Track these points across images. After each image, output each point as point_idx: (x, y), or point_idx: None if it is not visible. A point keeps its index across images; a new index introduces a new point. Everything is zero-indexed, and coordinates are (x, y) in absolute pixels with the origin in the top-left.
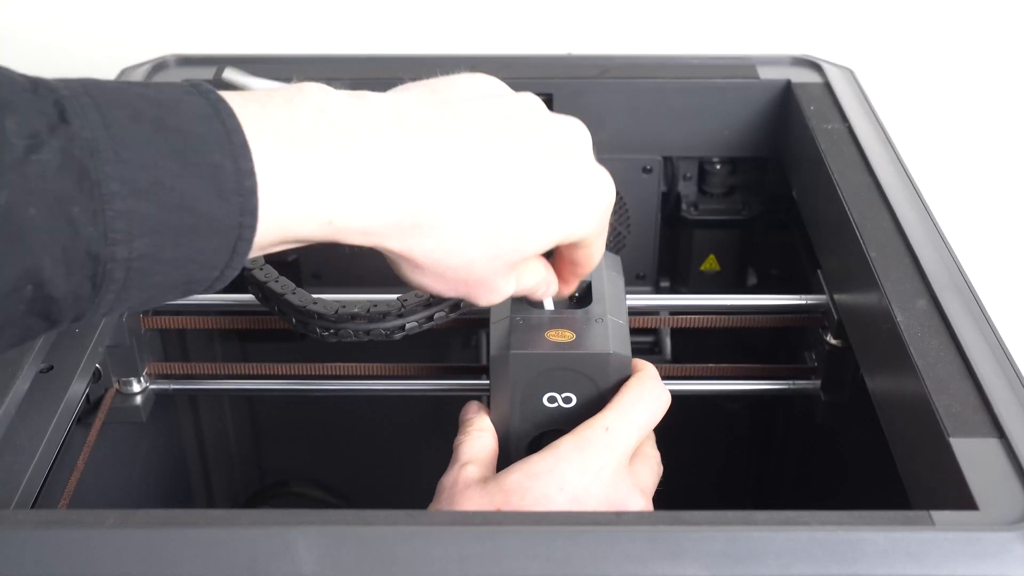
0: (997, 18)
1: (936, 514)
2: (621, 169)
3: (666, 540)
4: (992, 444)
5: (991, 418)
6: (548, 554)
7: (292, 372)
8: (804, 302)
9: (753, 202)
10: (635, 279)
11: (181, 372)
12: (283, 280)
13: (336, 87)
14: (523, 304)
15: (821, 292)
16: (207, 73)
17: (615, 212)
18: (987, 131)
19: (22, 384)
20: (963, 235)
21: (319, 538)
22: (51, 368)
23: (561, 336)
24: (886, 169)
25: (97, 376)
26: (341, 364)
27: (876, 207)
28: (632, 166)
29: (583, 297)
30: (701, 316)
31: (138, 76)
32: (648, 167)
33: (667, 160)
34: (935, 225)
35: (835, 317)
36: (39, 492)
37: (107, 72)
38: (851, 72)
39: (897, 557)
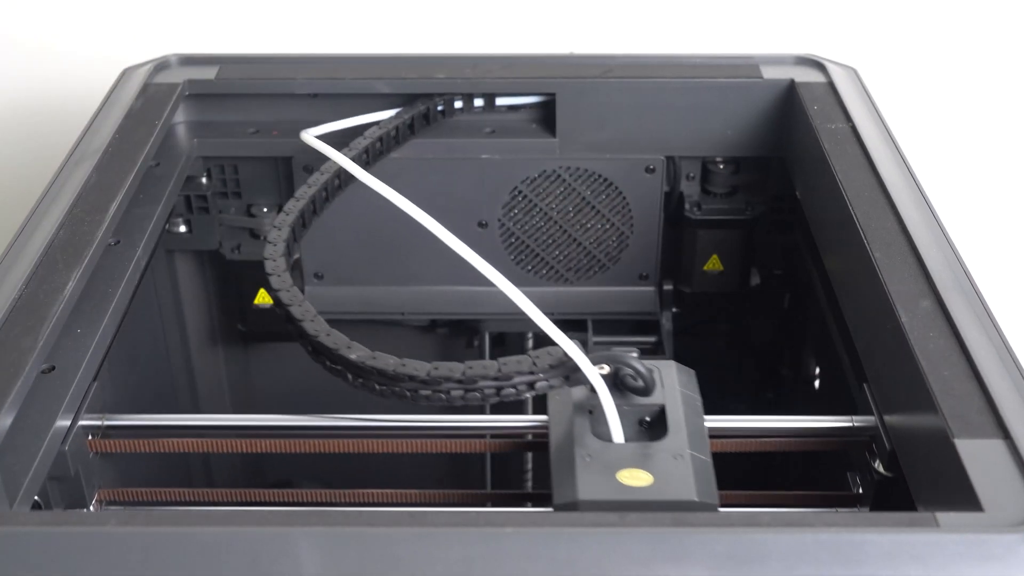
0: (1000, 17)
1: (941, 516)
2: (624, 169)
3: (669, 541)
4: (997, 445)
5: (996, 419)
6: (551, 555)
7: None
8: (851, 424)
9: (756, 202)
10: (638, 279)
11: (137, 498)
12: (335, 333)
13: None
14: (587, 432)
15: (868, 411)
16: (209, 73)
17: (618, 211)
18: (991, 130)
19: (24, 384)
20: (968, 235)
21: (321, 538)
22: (52, 368)
23: (636, 478)
24: (890, 169)
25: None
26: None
27: (880, 207)
28: (635, 166)
29: (656, 423)
30: (741, 440)
31: (140, 76)
32: (651, 167)
33: (670, 160)
34: (939, 225)
35: (887, 446)
36: (40, 492)
37: (110, 72)
38: (855, 71)
39: (902, 559)
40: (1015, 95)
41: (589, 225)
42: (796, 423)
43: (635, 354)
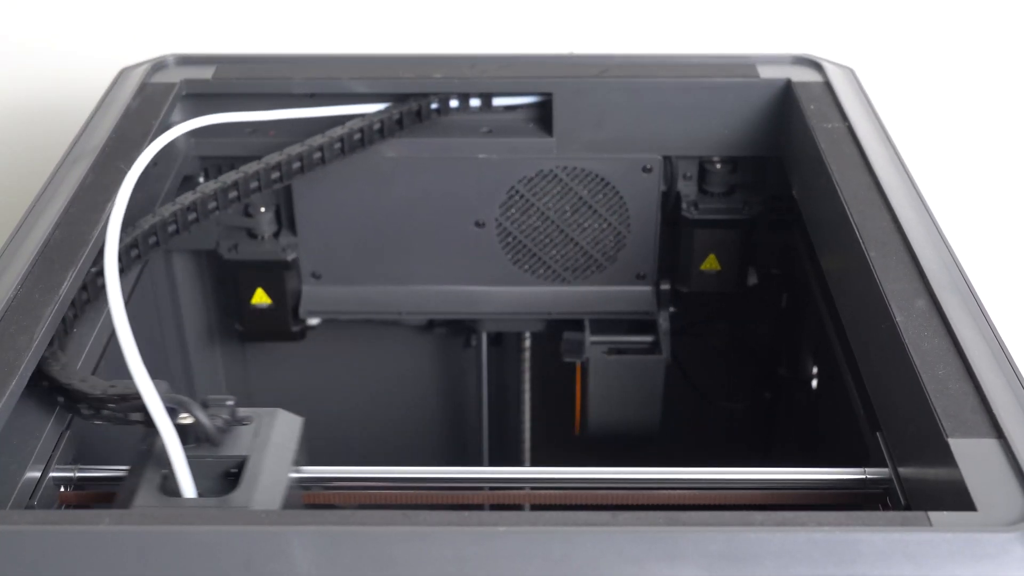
0: (997, 17)
1: (934, 515)
2: (621, 168)
3: (663, 541)
4: (991, 444)
5: (990, 418)
6: (544, 555)
7: None
8: (863, 476)
9: (753, 201)
10: (635, 278)
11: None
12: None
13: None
14: (154, 488)
15: (881, 463)
16: (206, 73)
17: (615, 211)
18: (987, 130)
19: (18, 384)
20: (963, 235)
21: (314, 538)
22: None
23: None
24: (886, 168)
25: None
26: None
27: (876, 206)
28: (632, 165)
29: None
30: (741, 492)
31: (137, 76)
32: (648, 166)
33: (667, 159)
34: (935, 225)
35: (901, 500)
36: (35, 491)
37: (107, 72)
38: (851, 71)
39: (895, 558)
40: (1011, 95)
41: (586, 225)
42: (801, 475)
43: (231, 402)
